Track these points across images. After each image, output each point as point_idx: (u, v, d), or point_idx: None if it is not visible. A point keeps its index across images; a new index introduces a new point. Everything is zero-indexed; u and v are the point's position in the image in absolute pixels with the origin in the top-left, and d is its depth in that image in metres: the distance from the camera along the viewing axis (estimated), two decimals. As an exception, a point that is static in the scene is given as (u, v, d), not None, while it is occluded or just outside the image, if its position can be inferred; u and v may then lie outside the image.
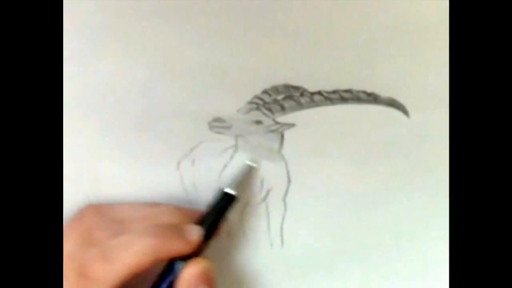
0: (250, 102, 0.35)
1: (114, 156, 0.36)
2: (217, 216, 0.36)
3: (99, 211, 0.36)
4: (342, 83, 0.35)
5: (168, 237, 0.33)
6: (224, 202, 0.37)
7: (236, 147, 0.37)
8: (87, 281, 0.32)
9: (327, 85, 0.35)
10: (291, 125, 0.36)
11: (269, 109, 0.36)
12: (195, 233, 0.34)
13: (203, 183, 0.38)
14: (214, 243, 0.37)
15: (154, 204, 0.37)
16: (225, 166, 0.37)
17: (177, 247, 0.34)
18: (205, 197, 0.37)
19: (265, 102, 0.35)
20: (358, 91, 0.35)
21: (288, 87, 0.35)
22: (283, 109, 0.36)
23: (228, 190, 0.37)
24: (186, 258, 0.34)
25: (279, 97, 0.35)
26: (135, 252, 0.32)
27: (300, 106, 0.35)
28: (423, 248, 0.40)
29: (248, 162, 0.37)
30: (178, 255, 0.34)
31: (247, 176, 0.37)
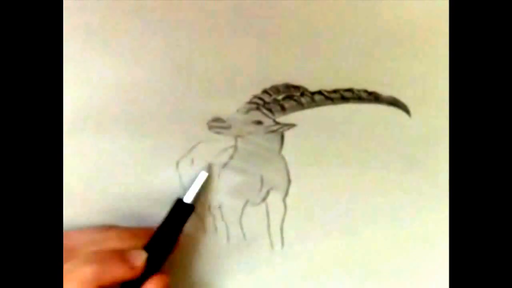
0: (250, 102, 0.35)
1: (114, 156, 0.36)
2: (173, 229, 0.36)
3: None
4: (343, 82, 0.35)
5: (109, 263, 0.33)
6: (180, 213, 0.36)
7: (235, 147, 0.37)
8: None
9: (328, 85, 0.35)
10: (292, 125, 0.36)
11: (269, 109, 0.36)
12: (139, 258, 0.34)
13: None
14: (214, 246, 0.37)
15: (105, 229, 0.37)
16: (224, 166, 0.37)
17: (119, 273, 0.33)
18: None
19: (265, 102, 0.35)
20: (359, 90, 0.35)
21: (288, 87, 0.35)
22: (283, 109, 0.36)
23: (184, 199, 0.36)
24: (137, 281, 0.34)
25: (279, 97, 0.35)
26: (77, 279, 0.32)
27: (300, 106, 0.35)
28: (423, 248, 0.39)
29: (203, 171, 0.37)
30: (123, 280, 0.33)
31: (202, 185, 0.37)
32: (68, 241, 0.35)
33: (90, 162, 0.36)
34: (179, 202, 0.36)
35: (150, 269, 0.34)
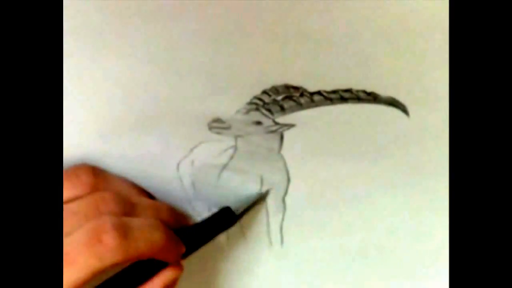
0: (250, 103, 0.35)
1: (114, 156, 0.37)
2: (210, 232, 0.36)
3: (105, 177, 0.35)
4: (341, 83, 0.35)
5: (171, 241, 0.33)
6: (223, 219, 0.37)
7: (235, 147, 0.37)
8: (100, 246, 0.30)
9: (326, 85, 0.35)
10: (291, 125, 0.36)
11: (269, 110, 0.36)
12: (183, 250, 0.34)
13: (203, 183, 0.38)
14: (213, 244, 0.37)
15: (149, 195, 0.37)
16: (224, 167, 0.38)
17: (170, 254, 0.33)
18: (205, 197, 0.37)
19: (264, 103, 0.35)
20: (358, 91, 0.35)
21: (288, 87, 0.35)
22: (282, 109, 0.36)
23: (233, 208, 0.37)
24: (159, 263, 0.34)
25: (279, 98, 0.35)
26: (153, 240, 0.32)
27: (300, 106, 0.35)
28: (423, 247, 0.40)
29: (258, 192, 0.38)
30: (160, 259, 0.33)
31: (253, 203, 0.38)
32: (127, 193, 0.35)
33: (90, 162, 0.37)
34: (227, 209, 0.37)
35: None
